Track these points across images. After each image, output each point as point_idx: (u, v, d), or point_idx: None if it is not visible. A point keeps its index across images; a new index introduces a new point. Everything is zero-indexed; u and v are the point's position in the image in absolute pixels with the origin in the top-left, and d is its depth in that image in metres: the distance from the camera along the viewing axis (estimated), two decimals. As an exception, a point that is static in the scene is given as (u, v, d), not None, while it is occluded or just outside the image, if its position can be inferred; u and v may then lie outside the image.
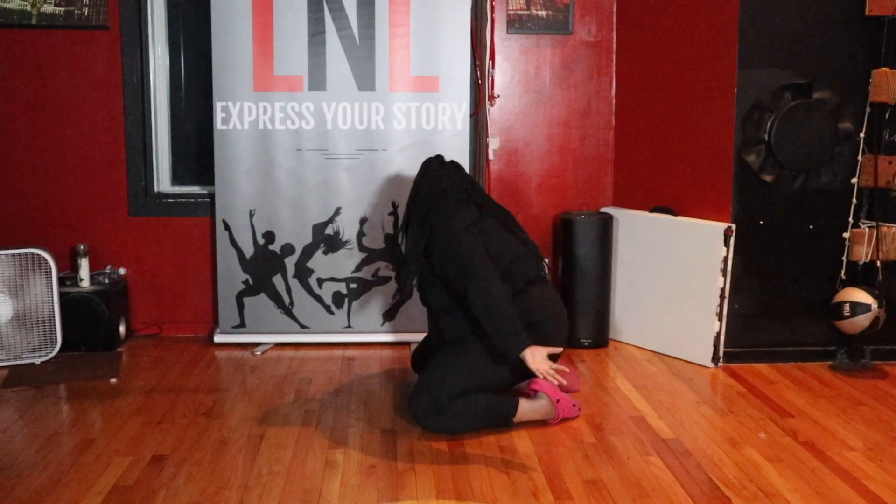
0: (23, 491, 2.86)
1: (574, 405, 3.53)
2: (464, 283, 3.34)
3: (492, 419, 3.40)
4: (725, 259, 4.19)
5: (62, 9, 4.56)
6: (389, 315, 4.67)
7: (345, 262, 4.61)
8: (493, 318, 3.27)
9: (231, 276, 4.59)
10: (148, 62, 4.73)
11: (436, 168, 3.65)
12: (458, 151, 4.50)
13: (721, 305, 4.23)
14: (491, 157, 4.78)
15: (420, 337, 4.51)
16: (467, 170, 4.05)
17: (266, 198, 4.55)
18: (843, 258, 4.26)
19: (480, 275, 3.31)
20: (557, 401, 3.47)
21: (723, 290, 4.21)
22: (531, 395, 3.50)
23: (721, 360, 4.28)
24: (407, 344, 4.59)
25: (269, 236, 4.58)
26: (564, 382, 3.27)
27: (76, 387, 3.95)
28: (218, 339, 4.63)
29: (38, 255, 4.24)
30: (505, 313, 3.26)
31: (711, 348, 4.25)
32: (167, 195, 4.86)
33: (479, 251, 3.39)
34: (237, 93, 4.48)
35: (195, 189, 4.91)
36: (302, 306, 4.63)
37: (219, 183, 4.55)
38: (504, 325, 3.25)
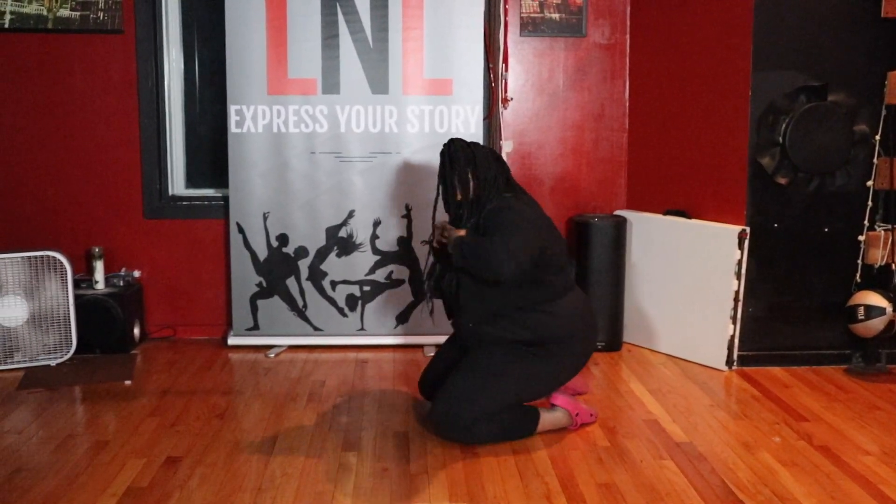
0: (38, 492, 2.88)
1: (591, 414, 3.51)
2: (499, 237, 3.18)
3: (515, 434, 3.36)
4: (740, 262, 4.18)
5: (78, 13, 4.59)
6: (402, 318, 4.68)
7: (358, 265, 4.62)
8: (475, 257, 3.22)
9: (245, 278, 4.60)
10: (162, 66, 4.75)
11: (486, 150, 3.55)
12: (471, 154, 4.50)
13: (735, 309, 4.21)
14: (504, 160, 4.77)
15: (432, 340, 4.53)
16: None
17: (280, 201, 4.56)
18: (859, 261, 4.24)
19: (510, 252, 3.16)
20: (577, 414, 3.46)
21: (737, 293, 4.20)
22: (549, 407, 3.48)
23: (735, 363, 4.26)
24: (420, 346, 4.60)
25: (283, 239, 4.59)
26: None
27: (91, 388, 3.97)
28: (231, 341, 4.64)
29: (53, 257, 4.26)
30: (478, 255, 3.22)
31: (725, 352, 4.23)
32: (181, 198, 4.88)
33: (536, 235, 3.30)
34: (251, 96, 4.49)
35: (209, 192, 4.93)
36: (315, 309, 4.64)
37: (233, 186, 4.56)
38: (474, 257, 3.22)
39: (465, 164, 3.42)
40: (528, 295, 3.33)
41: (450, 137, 3.62)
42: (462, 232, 3.32)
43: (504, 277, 3.18)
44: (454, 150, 3.46)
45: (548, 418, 3.42)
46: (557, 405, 3.46)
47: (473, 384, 3.29)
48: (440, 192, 3.51)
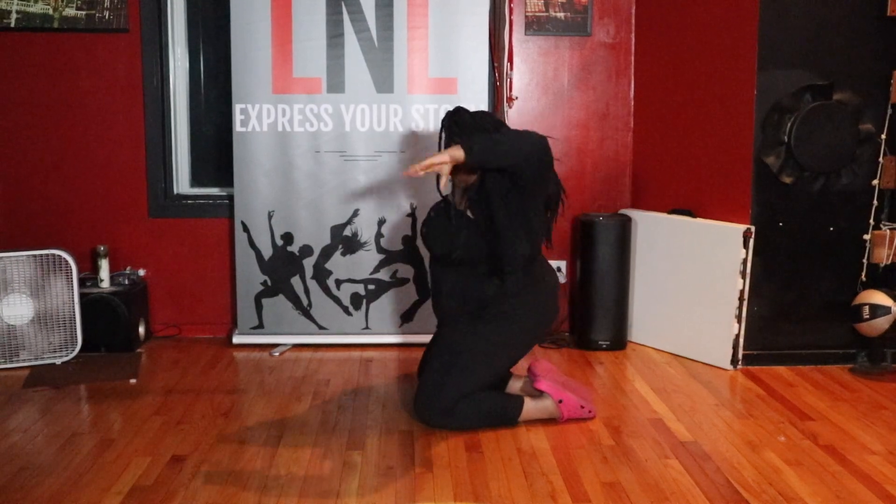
0: (43, 490, 2.88)
1: (583, 407, 3.51)
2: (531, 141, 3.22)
3: (496, 420, 3.43)
4: (745, 261, 4.17)
5: (83, 12, 4.60)
6: (407, 317, 4.68)
7: (363, 264, 4.62)
8: (508, 148, 3.23)
9: (249, 277, 4.61)
10: (168, 65, 4.76)
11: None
12: (476, 153, 4.50)
13: (740, 308, 4.20)
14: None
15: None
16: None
17: (285, 199, 4.56)
18: (864, 260, 4.23)
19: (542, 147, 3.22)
20: (560, 401, 3.48)
21: (742, 292, 4.19)
22: (536, 394, 3.51)
23: (740, 362, 4.26)
24: (424, 346, 4.58)
25: (288, 238, 4.59)
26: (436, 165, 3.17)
27: (96, 387, 3.97)
28: (236, 340, 4.65)
29: (58, 256, 4.27)
30: (512, 149, 3.22)
31: (730, 351, 4.23)
32: (186, 197, 4.89)
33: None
34: (256, 95, 4.50)
35: (214, 191, 4.94)
36: (320, 307, 4.64)
37: (238, 185, 4.57)
38: (501, 149, 3.21)
39: (470, 130, 3.39)
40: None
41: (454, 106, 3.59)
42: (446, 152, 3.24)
43: (545, 148, 3.21)
44: (459, 116, 3.47)
45: (533, 406, 3.45)
46: (543, 391, 3.48)
47: (443, 367, 3.39)
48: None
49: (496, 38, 4.70)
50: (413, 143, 4.55)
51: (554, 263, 4.38)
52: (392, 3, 4.47)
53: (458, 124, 3.43)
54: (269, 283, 4.62)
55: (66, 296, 4.31)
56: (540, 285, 3.52)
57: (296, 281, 4.62)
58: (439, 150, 3.38)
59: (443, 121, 3.50)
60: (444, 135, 3.44)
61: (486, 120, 3.48)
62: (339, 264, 4.62)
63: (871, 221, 4.21)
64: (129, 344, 4.52)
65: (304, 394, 3.89)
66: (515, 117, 4.84)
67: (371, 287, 4.65)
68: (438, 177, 3.23)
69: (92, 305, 4.42)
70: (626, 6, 4.82)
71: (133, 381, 4.06)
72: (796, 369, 4.24)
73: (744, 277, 4.18)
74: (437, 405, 3.36)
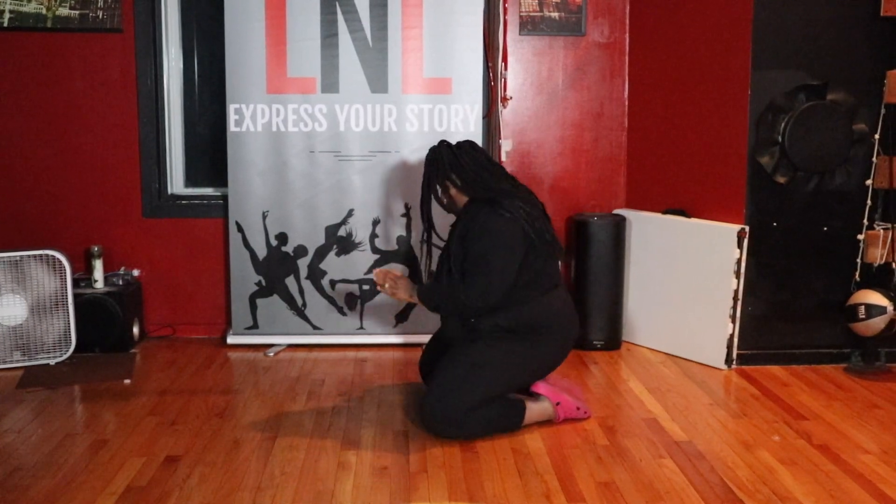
0: (37, 491, 2.88)
1: (578, 408, 3.52)
2: (472, 277, 3.35)
3: (502, 426, 3.40)
4: (739, 261, 4.18)
5: (77, 12, 4.59)
6: (402, 317, 4.68)
7: (357, 264, 4.62)
8: (439, 304, 3.49)
9: (244, 277, 4.60)
10: (161, 65, 4.75)
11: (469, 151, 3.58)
12: (470, 153, 4.49)
13: (734, 307, 4.21)
14: (504, 158, 4.77)
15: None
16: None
17: (279, 199, 4.56)
18: (858, 260, 4.24)
19: (488, 289, 3.34)
20: (557, 404, 3.48)
21: (736, 291, 4.20)
22: (532, 396, 3.51)
23: (734, 362, 4.26)
24: (419, 346, 4.58)
25: (282, 238, 4.59)
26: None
27: (90, 387, 3.97)
28: (231, 340, 4.64)
29: (52, 256, 4.26)
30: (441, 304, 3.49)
31: (725, 350, 4.23)
32: (181, 197, 4.88)
33: (512, 267, 3.37)
34: (250, 95, 4.49)
35: (208, 191, 4.93)
36: (314, 308, 4.64)
37: (232, 185, 4.56)
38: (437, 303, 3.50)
39: (448, 168, 3.52)
40: (516, 293, 3.40)
41: (438, 141, 3.65)
42: (405, 284, 3.54)
43: (479, 314, 3.41)
44: (438, 155, 3.56)
45: (534, 409, 3.45)
46: (540, 394, 3.48)
47: (457, 378, 3.35)
48: (433, 195, 3.62)
49: (491, 38, 4.70)
50: (407, 144, 4.55)
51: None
52: (386, 3, 4.47)
53: (437, 165, 3.53)
54: (263, 283, 4.61)
55: (60, 296, 4.30)
56: (559, 323, 3.52)
57: (290, 281, 4.62)
58: (423, 184, 3.60)
59: (427, 156, 3.60)
60: (426, 172, 3.58)
61: (465, 156, 3.53)
62: (334, 264, 4.62)
63: (865, 221, 4.22)
64: (123, 344, 4.51)
65: (299, 394, 3.89)
66: (510, 117, 4.84)
67: (366, 287, 4.64)
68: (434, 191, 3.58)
69: (86, 306, 4.41)
70: (620, 6, 4.82)
71: (127, 381, 4.05)
72: (790, 369, 4.25)
73: (738, 277, 4.19)
74: (447, 415, 3.29)
